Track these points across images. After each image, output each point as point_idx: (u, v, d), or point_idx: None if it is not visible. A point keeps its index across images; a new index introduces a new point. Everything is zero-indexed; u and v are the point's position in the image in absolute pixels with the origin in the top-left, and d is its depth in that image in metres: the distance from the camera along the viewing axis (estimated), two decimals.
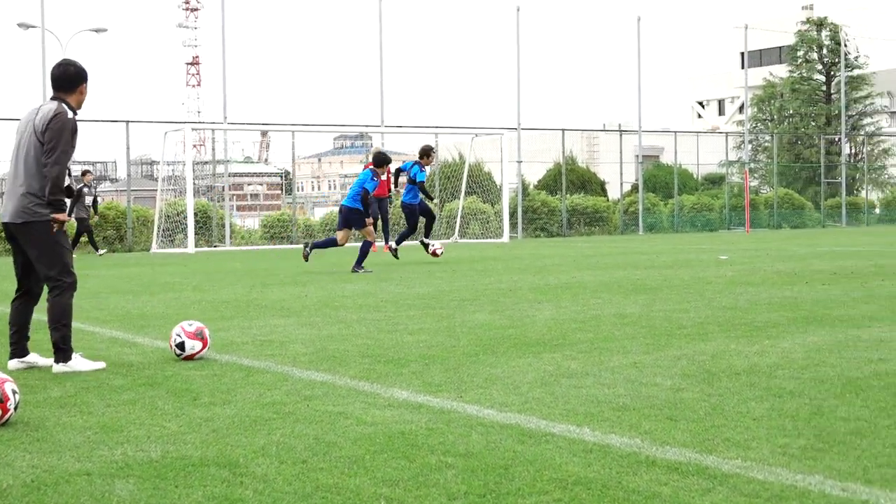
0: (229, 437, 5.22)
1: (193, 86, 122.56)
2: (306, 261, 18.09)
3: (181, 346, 7.72)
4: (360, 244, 17.90)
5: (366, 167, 18.59)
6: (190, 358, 7.72)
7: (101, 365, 7.44)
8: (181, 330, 7.79)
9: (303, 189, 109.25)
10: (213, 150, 33.06)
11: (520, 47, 35.04)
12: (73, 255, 7.75)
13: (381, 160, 17.86)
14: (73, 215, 23.85)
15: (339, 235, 17.57)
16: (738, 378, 6.64)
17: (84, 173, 24.95)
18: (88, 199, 24.37)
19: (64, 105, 7.34)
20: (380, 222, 25.16)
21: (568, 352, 7.83)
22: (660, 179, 42.53)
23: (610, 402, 5.97)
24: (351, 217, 17.44)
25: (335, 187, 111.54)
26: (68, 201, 8.70)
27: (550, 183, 38.71)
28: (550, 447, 4.94)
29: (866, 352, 7.62)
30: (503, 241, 30.30)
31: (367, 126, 34.80)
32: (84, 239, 25.50)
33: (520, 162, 34.55)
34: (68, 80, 7.42)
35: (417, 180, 19.19)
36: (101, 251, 26.09)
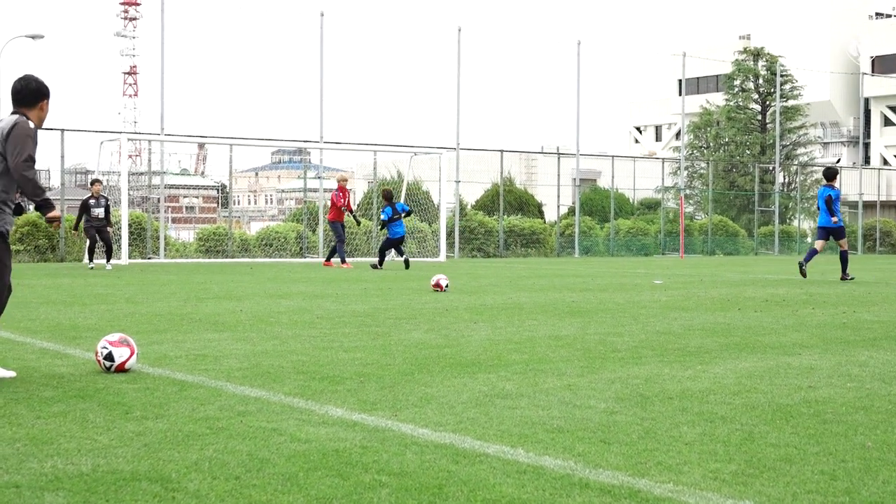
0: (161, 451, 5.17)
1: (130, 95, 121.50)
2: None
3: (109, 356, 7.59)
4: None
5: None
6: (121, 368, 7.60)
7: (12, 374, 7.37)
8: (105, 342, 7.66)
9: (239, 203, 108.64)
10: (150, 161, 32.77)
11: (460, 67, 35.18)
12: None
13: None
14: (80, 227, 23.28)
15: None
16: (671, 402, 6.70)
17: (93, 182, 24.19)
18: (97, 211, 23.27)
19: (24, 117, 7.31)
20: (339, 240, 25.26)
21: (503, 372, 7.85)
22: (596, 203, 42.85)
23: (544, 423, 5.99)
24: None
25: (272, 202, 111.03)
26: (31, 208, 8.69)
27: (488, 203, 38.84)
28: (484, 467, 4.95)
29: (796, 379, 7.73)
30: (440, 261, 30.34)
31: (305, 141, 34.69)
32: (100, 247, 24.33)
33: (458, 182, 34.64)
34: (30, 94, 7.39)
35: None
36: (92, 264, 24.86)
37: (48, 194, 7.63)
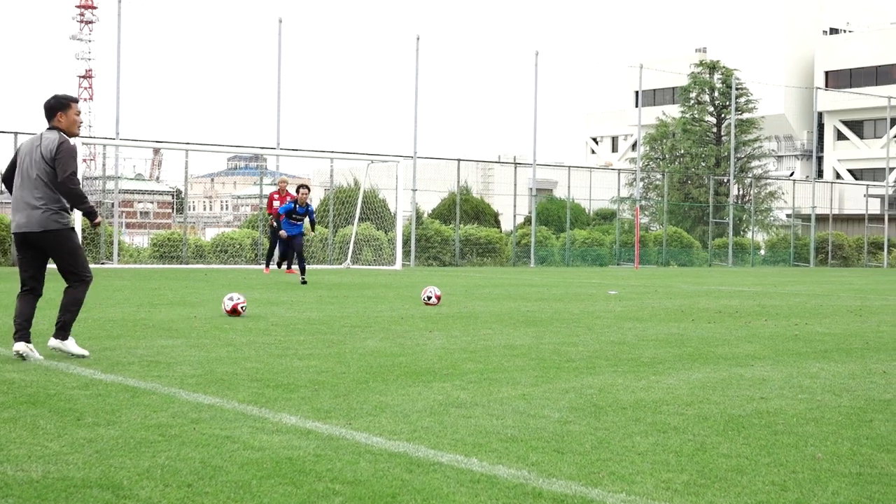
0: (113, 458, 5.13)
1: (86, 99, 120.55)
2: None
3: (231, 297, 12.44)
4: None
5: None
6: (235, 308, 12.58)
7: (86, 353, 8.73)
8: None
9: (194, 209, 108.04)
10: (104, 165, 32.52)
11: (418, 76, 35.21)
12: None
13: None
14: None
15: None
16: (625, 412, 6.73)
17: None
18: None
19: (61, 133, 8.66)
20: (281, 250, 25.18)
21: (458, 381, 7.86)
22: (552, 213, 43.00)
23: (498, 432, 6.00)
24: None
25: (227, 208, 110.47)
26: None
27: (444, 212, 38.88)
28: (438, 476, 4.95)
29: (748, 390, 7.79)
30: (395, 269, 30.32)
31: (262, 148, 34.58)
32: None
33: (415, 190, 34.66)
34: (48, 111, 8.75)
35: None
36: None
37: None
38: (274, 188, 27.45)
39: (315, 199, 43.54)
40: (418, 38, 35.22)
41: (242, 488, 4.66)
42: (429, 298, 15.55)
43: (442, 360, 9.12)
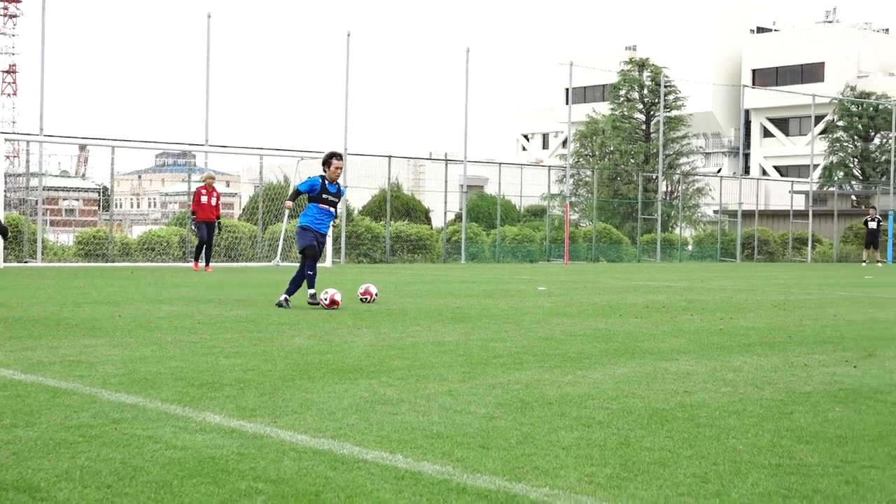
0: (31, 460, 5.04)
1: (9, 95, 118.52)
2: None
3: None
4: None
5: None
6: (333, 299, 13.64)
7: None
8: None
9: (121, 206, 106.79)
10: (28, 162, 32.00)
11: (349, 72, 35.08)
12: None
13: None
14: None
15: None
16: (550, 407, 6.76)
17: None
18: None
19: None
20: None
21: (385, 378, 7.84)
22: (483, 209, 43.11)
23: (424, 429, 6.00)
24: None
25: (155, 205, 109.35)
26: None
27: (375, 209, 38.80)
28: (362, 474, 4.93)
29: (673, 384, 7.87)
30: (326, 266, 30.19)
31: (190, 144, 34.24)
32: None
33: (345, 187, 34.54)
34: None
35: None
36: None
37: None
38: (201, 184, 27.16)
39: (244, 196, 43.23)
40: (349, 35, 35.11)
41: (163, 488, 4.60)
42: (366, 292, 15.28)
43: (369, 357, 9.10)
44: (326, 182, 14.49)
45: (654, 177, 48.43)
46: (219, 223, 26.22)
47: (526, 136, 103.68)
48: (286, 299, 14.39)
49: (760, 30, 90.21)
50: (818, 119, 62.26)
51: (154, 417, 6.17)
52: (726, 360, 9.34)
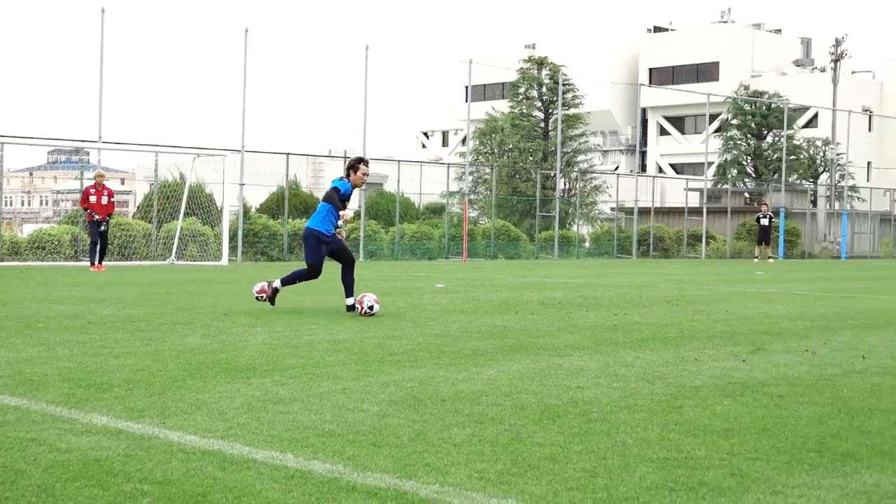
0: None
1: None
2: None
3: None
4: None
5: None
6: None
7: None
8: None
9: (11, 204, 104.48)
10: None
11: (247, 68, 34.74)
12: None
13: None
14: None
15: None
16: (444, 404, 6.77)
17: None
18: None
19: None
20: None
21: (278, 377, 7.77)
22: (382, 207, 43.01)
23: (316, 427, 5.96)
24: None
25: (47, 203, 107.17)
26: None
27: (273, 207, 38.47)
28: (251, 474, 4.88)
29: (566, 380, 7.93)
30: (222, 264, 29.88)
31: (83, 141, 33.60)
32: None
33: (242, 184, 34.19)
34: None
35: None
36: None
37: None
38: (91, 183, 26.63)
39: (139, 194, 42.61)
40: (247, 31, 34.77)
41: (46, 492, 4.50)
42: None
43: (263, 355, 9.01)
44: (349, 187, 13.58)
45: (552, 174, 48.83)
46: (107, 220, 25.69)
47: (426, 134, 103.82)
48: (274, 288, 13.80)
49: (657, 29, 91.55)
50: (713, 118, 63.39)
51: (38, 420, 6.03)
52: (619, 356, 9.45)
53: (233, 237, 33.05)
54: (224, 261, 30.45)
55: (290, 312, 13.38)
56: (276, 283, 13.82)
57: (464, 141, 56.37)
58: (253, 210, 37.85)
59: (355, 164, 13.59)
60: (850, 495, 4.75)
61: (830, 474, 5.12)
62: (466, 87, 42.48)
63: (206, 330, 11.05)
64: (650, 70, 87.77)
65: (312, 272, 13.73)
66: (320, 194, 44.05)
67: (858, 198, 60.54)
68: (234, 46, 34.57)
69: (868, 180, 75.99)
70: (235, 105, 33.71)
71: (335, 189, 13.43)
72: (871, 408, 6.99)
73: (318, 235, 13.53)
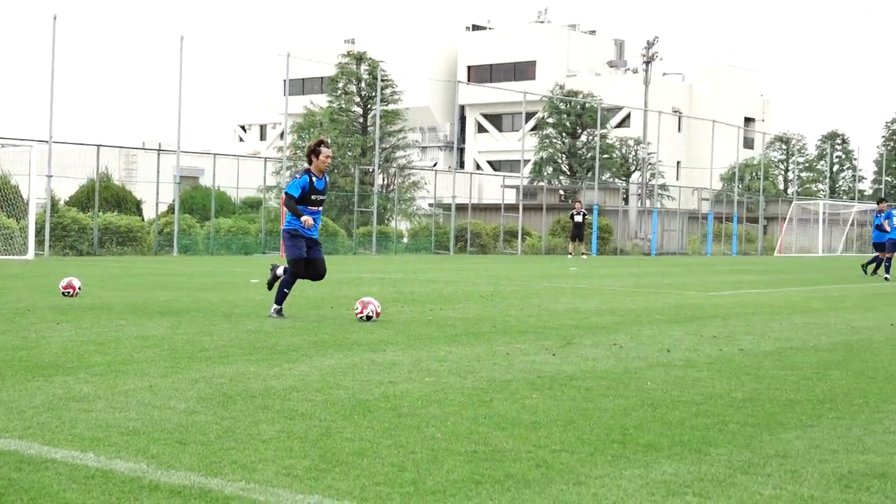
0: None
1: None
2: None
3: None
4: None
5: None
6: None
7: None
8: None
9: None
10: None
11: (55, 56, 33.62)
12: None
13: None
14: None
15: None
16: (254, 401, 6.68)
17: None
18: None
19: None
20: None
21: (82, 375, 7.54)
22: (197, 201, 42.25)
23: (119, 426, 5.80)
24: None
25: None
26: None
27: (83, 199, 37.35)
28: (49, 474, 4.72)
29: (378, 375, 7.93)
30: (27, 259, 28.87)
31: None
32: None
33: (50, 176, 33.10)
34: None
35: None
36: None
37: None
38: None
39: None
40: (55, 18, 33.67)
41: None
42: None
43: (67, 352, 8.73)
44: (314, 178, 12.52)
45: (370, 170, 48.87)
46: None
47: (243, 128, 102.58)
48: (278, 272, 12.93)
49: (476, 27, 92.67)
50: (529, 116, 64.47)
51: None
52: (432, 351, 9.51)
53: (40, 231, 31.97)
54: (30, 255, 29.42)
55: (98, 308, 13.00)
56: (276, 307, 12.66)
57: (282, 135, 55.83)
58: (62, 202, 36.70)
59: (315, 149, 12.65)
60: (650, 484, 4.88)
61: (632, 464, 5.25)
62: (285, 81, 42.10)
63: (8, 326, 10.64)
64: (469, 68, 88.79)
65: (293, 265, 12.63)
66: (133, 188, 43.08)
67: (668, 196, 62.52)
68: (43, 34, 33.44)
69: (678, 179, 78.57)
70: (43, 94, 32.61)
71: (289, 196, 12.46)
72: (673, 399, 7.21)
73: (289, 232, 12.62)
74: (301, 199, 12.47)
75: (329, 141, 13.19)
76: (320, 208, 12.68)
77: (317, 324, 11.73)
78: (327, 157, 12.69)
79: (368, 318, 12.14)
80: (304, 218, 12.33)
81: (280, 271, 12.91)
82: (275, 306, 12.62)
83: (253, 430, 5.80)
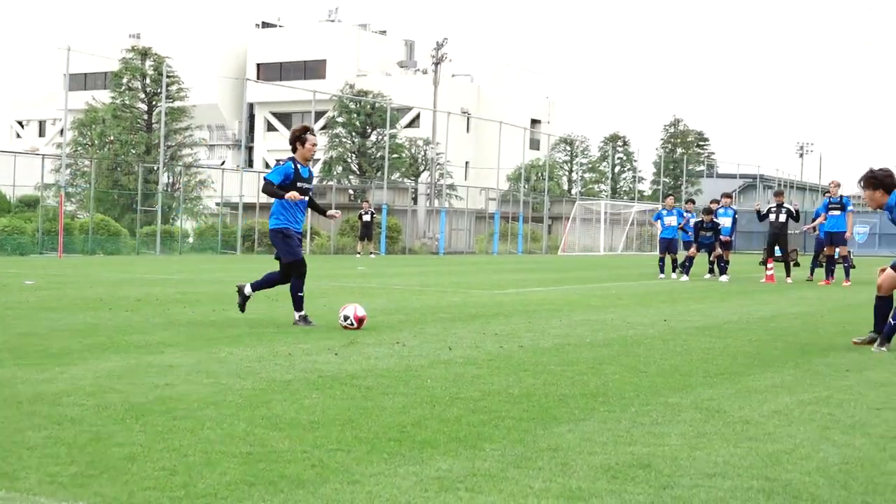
0: None
1: None
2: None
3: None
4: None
5: None
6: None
7: None
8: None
9: None
10: None
11: None
12: None
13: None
14: None
15: None
16: (20, 407, 6.43)
17: None
18: None
19: None
20: None
21: None
22: None
23: None
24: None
25: None
26: None
27: None
28: None
29: (155, 377, 7.75)
30: None
31: None
32: None
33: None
34: None
35: None
36: None
37: None
38: None
39: None
40: None
41: None
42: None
43: None
44: (298, 166, 11.88)
45: (155, 168, 47.78)
46: None
47: (21, 123, 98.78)
48: (246, 291, 12.30)
49: (265, 25, 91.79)
50: (319, 115, 64.33)
51: None
52: (213, 352, 9.36)
53: None
54: None
55: None
56: (300, 314, 12.17)
57: (62, 132, 54.01)
58: None
59: (301, 136, 11.87)
60: (425, 481, 4.93)
61: (407, 462, 5.29)
62: (65, 75, 40.72)
63: None
64: (258, 65, 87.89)
65: (296, 268, 12.06)
66: None
67: (456, 196, 63.36)
68: None
69: (466, 179, 79.76)
70: None
71: (268, 182, 11.75)
72: (452, 396, 7.30)
73: (281, 231, 11.98)
74: (287, 189, 11.79)
75: (314, 129, 12.45)
76: (306, 198, 12.02)
77: (94, 325, 11.38)
78: (313, 144, 11.97)
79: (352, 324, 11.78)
80: (290, 193, 11.64)
81: (248, 290, 12.37)
82: (297, 314, 12.06)
83: (17, 437, 5.58)
